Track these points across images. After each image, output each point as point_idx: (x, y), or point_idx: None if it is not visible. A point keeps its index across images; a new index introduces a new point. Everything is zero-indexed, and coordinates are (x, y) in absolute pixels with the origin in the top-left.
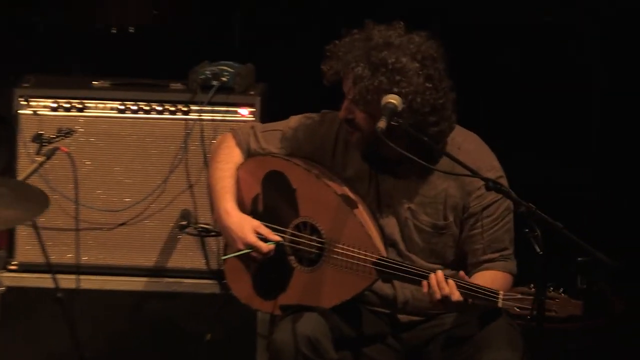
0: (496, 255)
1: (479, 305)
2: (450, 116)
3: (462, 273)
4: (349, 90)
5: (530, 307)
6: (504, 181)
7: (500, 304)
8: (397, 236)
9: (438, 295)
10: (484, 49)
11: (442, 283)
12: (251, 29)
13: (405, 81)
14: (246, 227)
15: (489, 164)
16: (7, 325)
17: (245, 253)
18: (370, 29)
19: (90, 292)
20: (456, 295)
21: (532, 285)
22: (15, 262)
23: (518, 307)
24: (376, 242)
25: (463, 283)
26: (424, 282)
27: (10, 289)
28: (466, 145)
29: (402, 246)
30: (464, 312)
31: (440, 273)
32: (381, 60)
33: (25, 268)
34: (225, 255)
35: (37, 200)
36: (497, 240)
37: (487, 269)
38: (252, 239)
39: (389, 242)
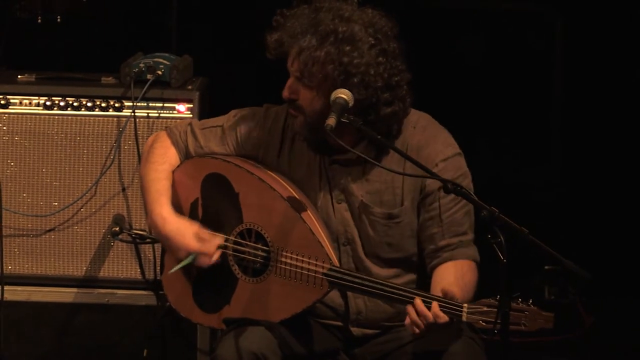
0: (455, 240)
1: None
2: (404, 97)
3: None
4: (292, 62)
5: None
6: (461, 159)
7: (464, 318)
8: (353, 233)
9: (422, 327)
10: (443, 35)
11: (423, 310)
12: (189, 18)
13: (356, 52)
14: (187, 234)
15: (446, 141)
16: None
17: (190, 263)
18: (321, 0)
19: (15, 304)
20: (441, 318)
21: (498, 297)
22: None
23: (483, 321)
24: (327, 249)
25: (428, 297)
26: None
27: None
28: (421, 123)
29: (358, 246)
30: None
31: (418, 300)
32: (331, 30)
33: None
34: (170, 269)
35: None
36: (456, 224)
37: (447, 259)
38: (196, 246)
39: (343, 241)
